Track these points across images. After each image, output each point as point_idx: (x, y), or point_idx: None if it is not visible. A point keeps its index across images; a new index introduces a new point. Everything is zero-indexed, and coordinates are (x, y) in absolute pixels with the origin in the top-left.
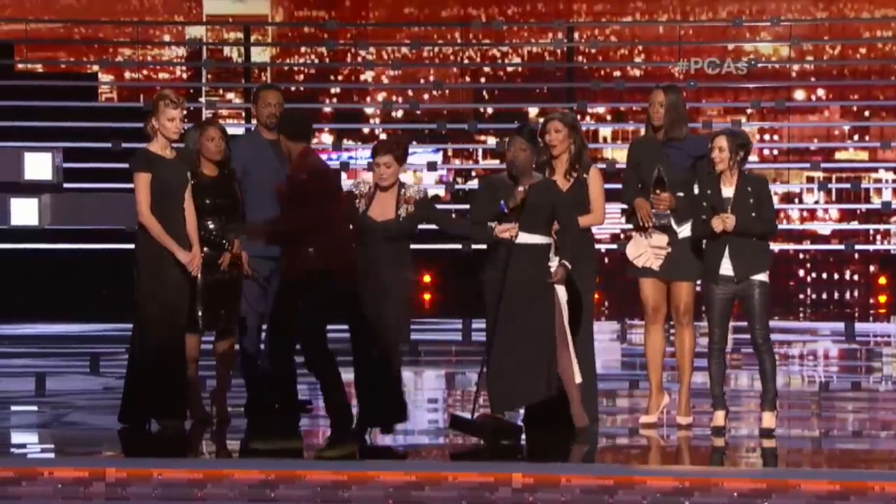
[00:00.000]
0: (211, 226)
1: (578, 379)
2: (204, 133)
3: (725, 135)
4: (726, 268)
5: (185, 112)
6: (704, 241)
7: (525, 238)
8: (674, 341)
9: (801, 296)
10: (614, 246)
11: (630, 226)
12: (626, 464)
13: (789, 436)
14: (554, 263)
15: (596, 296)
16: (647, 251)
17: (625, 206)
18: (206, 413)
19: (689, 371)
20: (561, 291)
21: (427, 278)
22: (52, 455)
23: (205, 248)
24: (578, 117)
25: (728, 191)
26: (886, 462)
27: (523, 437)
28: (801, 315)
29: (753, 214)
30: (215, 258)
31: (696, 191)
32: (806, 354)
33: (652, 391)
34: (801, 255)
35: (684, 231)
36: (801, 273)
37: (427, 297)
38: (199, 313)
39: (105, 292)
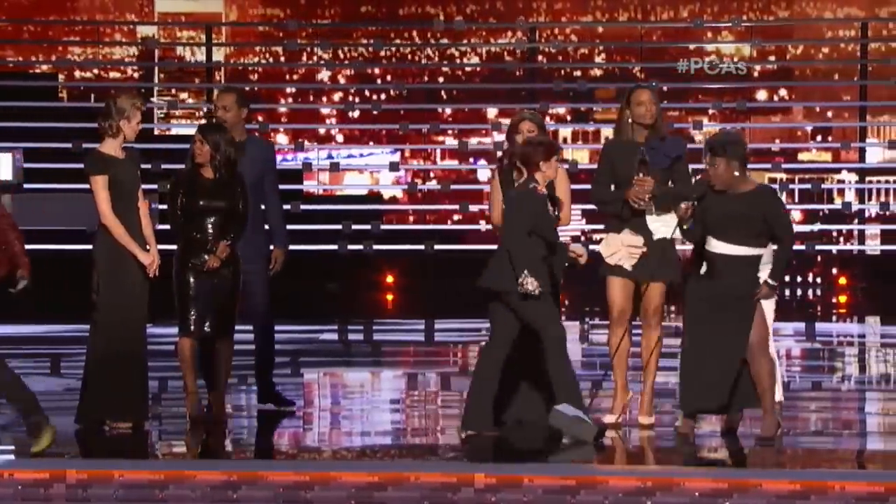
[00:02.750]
0: (210, 228)
1: (780, 396)
2: (196, 138)
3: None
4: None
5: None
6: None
7: (732, 249)
8: (639, 341)
9: None
10: None
11: (601, 226)
12: (589, 464)
13: (751, 435)
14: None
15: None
16: (621, 249)
17: (588, 207)
18: (205, 413)
19: (654, 372)
20: (767, 303)
21: (389, 279)
22: (12, 457)
23: (205, 255)
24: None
25: None
26: (847, 461)
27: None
28: None
29: None
30: (206, 261)
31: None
32: None
33: (617, 391)
34: None
35: (658, 232)
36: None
37: (389, 297)
38: (192, 317)
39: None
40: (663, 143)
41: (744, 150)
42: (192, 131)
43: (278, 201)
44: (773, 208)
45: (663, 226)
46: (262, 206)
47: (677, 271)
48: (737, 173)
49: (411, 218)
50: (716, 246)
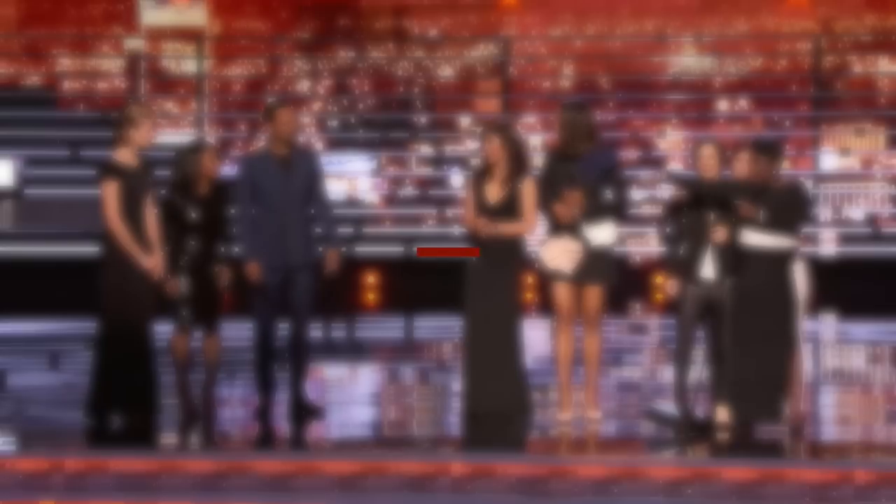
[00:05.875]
0: (193, 244)
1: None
2: (206, 156)
3: (712, 144)
4: (707, 271)
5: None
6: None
7: (763, 240)
8: (581, 339)
9: None
10: None
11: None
12: (559, 454)
13: (712, 426)
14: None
15: (529, 295)
16: (561, 255)
17: None
18: (196, 408)
19: (597, 369)
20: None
21: (370, 279)
22: (13, 447)
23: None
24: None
25: None
26: (802, 450)
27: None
28: None
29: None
30: (197, 268)
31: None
32: None
33: (563, 389)
34: None
35: (598, 238)
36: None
37: (371, 296)
38: (184, 315)
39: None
40: (594, 156)
41: (780, 152)
42: (176, 139)
43: (325, 206)
44: (797, 202)
45: (601, 232)
46: (312, 211)
47: (614, 274)
48: (773, 172)
49: (388, 222)
50: (748, 237)
